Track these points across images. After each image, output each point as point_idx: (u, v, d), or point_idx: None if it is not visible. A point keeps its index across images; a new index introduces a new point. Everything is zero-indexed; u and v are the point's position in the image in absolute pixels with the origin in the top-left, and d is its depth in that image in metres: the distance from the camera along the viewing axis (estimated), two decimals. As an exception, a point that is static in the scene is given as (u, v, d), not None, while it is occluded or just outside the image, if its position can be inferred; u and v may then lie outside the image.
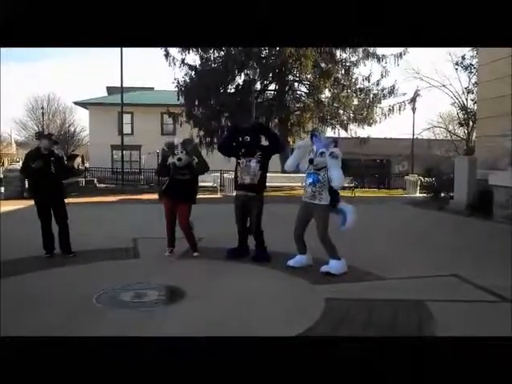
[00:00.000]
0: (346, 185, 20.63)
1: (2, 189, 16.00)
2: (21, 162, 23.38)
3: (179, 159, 6.31)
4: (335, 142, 5.94)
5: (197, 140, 23.01)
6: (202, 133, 23.56)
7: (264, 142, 6.50)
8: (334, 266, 5.65)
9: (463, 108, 29.53)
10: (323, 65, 23.18)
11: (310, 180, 5.77)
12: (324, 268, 5.67)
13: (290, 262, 5.95)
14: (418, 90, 25.94)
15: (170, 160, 6.41)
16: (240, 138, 6.41)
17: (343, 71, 23.78)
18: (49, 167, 6.34)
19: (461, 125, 30.63)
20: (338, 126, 24.29)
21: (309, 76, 23.25)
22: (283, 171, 22.31)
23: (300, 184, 20.39)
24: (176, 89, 23.70)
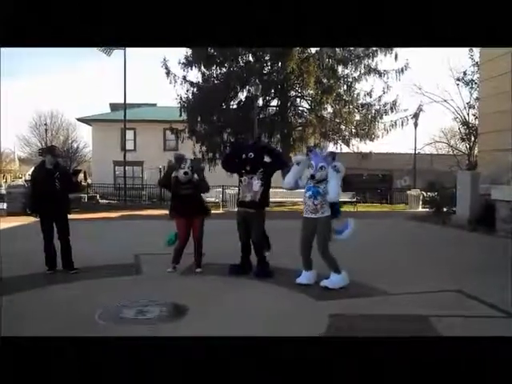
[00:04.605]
0: (348, 200, 20.65)
1: (5, 205, 16.02)
2: (24, 178, 23.40)
3: (185, 173, 6.37)
4: (333, 154, 5.97)
5: (199, 155, 23.11)
6: (204, 148, 23.62)
7: (266, 158, 6.50)
8: (332, 280, 5.64)
9: (465, 123, 29.56)
10: (325, 80, 23.32)
11: (310, 193, 5.76)
12: (323, 282, 5.67)
13: (300, 280, 5.85)
14: (421, 106, 25.96)
15: (175, 173, 6.47)
16: (243, 155, 6.42)
17: (345, 87, 23.89)
18: (54, 182, 6.36)
19: (463, 140, 30.65)
20: (340, 142, 24.35)
21: (311, 92, 23.37)
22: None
23: (302, 199, 20.40)
24: (178, 105, 23.85)
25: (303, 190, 5.99)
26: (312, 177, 5.68)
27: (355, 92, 24.05)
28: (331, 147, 23.89)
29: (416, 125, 25.54)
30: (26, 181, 22.85)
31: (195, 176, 6.52)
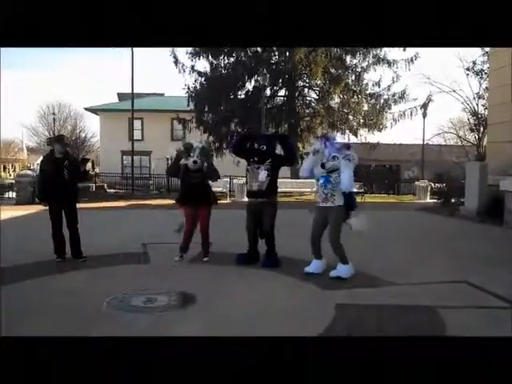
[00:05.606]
0: (356, 190, 20.60)
1: (14, 194, 16.15)
2: (33, 167, 23.53)
3: (195, 162, 6.36)
4: (348, 146, 5.94)
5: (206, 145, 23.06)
6: (211, 138, 23.61)
7: (278, 150, 6.48)
8: (342, 270, 5.64)
9: (474, 113, 29.38)
10: (333, 71, 23.16)
11: (321, 181, 5.76)
12: (333, 273, 5.65)
13: (308, 269, 5.86)
14: (430, 96, 25.70)
15: (184, 161, 6.45)
16: (254, 144, 6.42)
17: (353, 77, 23.71)
18: (62, 171, 6.39)
19: (471, 130, 30.49)
20: (347, 132, 24.23)
21: (319, 82, 23.24)
22: (293, 177, 22.33)
23: (309, 189, 20.41)
24: (186, 95, 23.83)
25: (314, 180, 5.99)
26: (322, 165, 5.67)
27: (363, 82, 23.87)
28: (339, 137, 23.75)
29: (425, 115, 25.33)
30: (32, 170, 22.96)
31: (205, 165, 6.51)
